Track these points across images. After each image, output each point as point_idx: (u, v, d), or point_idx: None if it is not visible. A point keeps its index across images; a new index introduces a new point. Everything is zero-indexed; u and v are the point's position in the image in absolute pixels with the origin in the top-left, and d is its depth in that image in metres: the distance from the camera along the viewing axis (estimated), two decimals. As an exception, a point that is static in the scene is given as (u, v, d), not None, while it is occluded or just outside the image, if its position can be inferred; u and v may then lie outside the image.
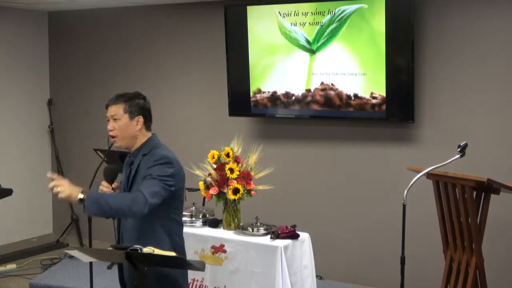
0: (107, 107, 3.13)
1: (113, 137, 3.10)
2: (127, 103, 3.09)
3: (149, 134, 3.16)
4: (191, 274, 4.27)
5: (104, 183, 3.09)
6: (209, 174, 4.32)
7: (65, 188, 2.83)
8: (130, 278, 3.06)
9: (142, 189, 2.90)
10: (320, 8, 5.06)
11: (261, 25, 5.37)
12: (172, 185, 3.00)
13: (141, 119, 3.10)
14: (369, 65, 4.98)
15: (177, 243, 3.13)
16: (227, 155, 4.29)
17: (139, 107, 3.11)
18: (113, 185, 3.10)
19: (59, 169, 6.80)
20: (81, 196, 2.83)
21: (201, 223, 4.45)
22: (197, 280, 4.29)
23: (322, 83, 5.19)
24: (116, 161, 4.54)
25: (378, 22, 4.84)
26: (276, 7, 5.26)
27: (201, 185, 4.36)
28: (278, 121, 5.63)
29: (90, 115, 6.61)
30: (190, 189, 4.31)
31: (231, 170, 4.22)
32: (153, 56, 6.23)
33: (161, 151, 3.07)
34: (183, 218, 4.17)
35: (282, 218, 4.79)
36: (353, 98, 5.08)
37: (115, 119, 3.07)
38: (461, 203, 3.89)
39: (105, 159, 4.46)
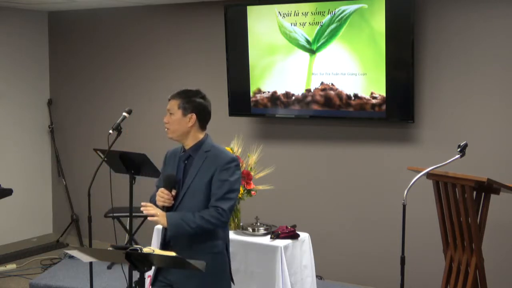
0: (169, 100, 3.24)
1: (167, 128, 3.21)
2: (183, 99, 3.19)
3: (203, 133, 3.24)
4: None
5: (164, 190, 3.13)
6: (209, 174, 4.31)
7: (159, 215, 3.06)
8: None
9: (222, 205, 3.06)
10: (320, 8, 5.06)
11: (261, 25, 5.36)
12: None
13: (194, 116, 3.17)
14: (369, 65, 4.97)
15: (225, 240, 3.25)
16: (227, 155, 4.28)
17: (194, 105, 3.19)
18: (172, 193, 3.15)
19: (59, 169, 6.80)
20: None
21: (201, 223, 4.45)
22: (197, 280, 4.28)
23: (322, 83, 5.19)
24: (116, 161, 4.54)
25: (378, 22, 4.84)
26: (276, 7, 5.26)
27: (201, 185, 4.36)
28: (278, 121, 5.62)
29: (90, 115, 6.61)
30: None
31: (231, 170, 4.21)
32: (153, 56, 6.23)
33: (228, 153, 3.20)
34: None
35: (282, 218, 4.79)
36: (353, 98, 5.08)
37: (170, 113, 3.19)
38: (461, 203, 3.89)
39: (105, 159, 4.45)
